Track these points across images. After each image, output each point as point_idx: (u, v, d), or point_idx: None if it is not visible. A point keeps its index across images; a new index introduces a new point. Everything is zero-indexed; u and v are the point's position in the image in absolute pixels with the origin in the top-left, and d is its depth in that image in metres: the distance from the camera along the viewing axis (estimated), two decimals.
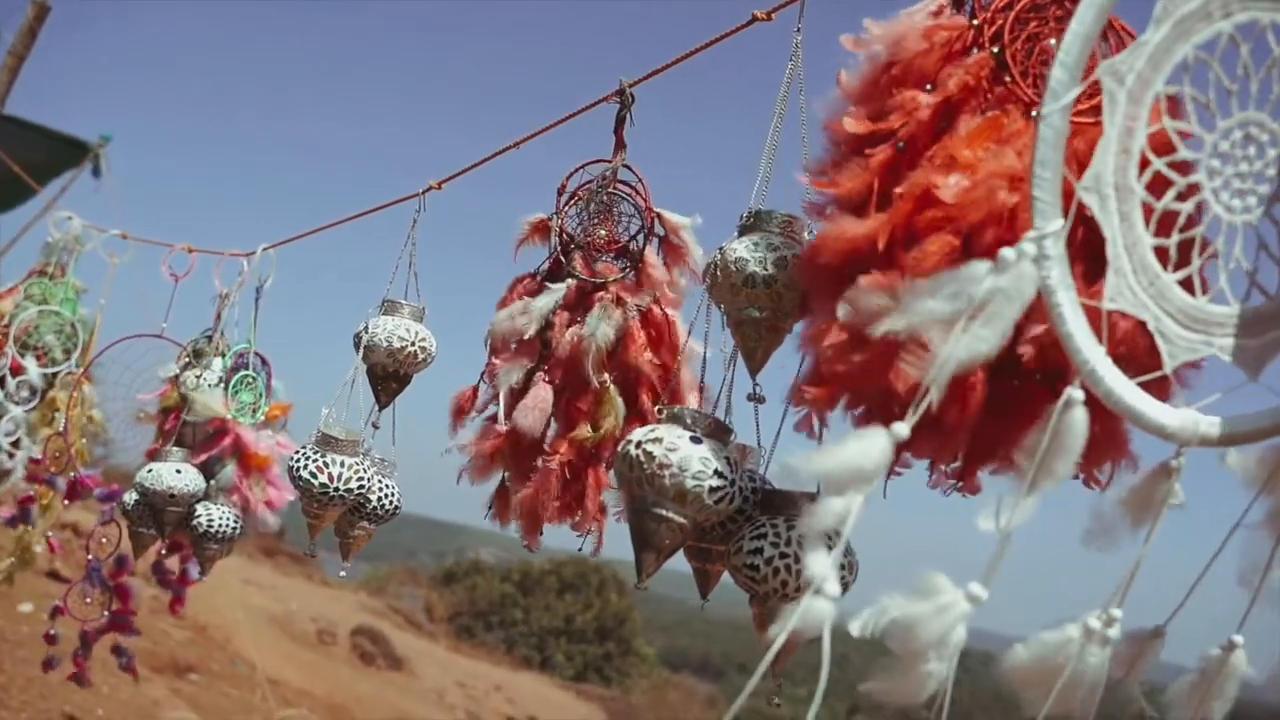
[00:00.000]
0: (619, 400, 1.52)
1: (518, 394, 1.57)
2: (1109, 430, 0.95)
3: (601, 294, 1.55)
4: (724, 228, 1.37)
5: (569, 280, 1.57)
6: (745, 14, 1.43)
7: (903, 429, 0.76)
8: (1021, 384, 0.97)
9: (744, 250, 1.26)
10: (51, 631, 2.82)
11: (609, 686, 19.88)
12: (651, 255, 1.60)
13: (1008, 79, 1.02)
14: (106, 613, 2.74)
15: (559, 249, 1.59)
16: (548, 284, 1.58)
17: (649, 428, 1.21)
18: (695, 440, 1.17)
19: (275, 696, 8.46)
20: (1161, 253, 0.80)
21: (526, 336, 1.55)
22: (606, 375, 1.53)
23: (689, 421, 1.20)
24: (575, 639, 20.88)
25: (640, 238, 1.61)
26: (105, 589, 2.71)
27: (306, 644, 12.22)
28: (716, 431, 1.22)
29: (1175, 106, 0.82)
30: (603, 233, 1.59)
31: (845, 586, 1.19)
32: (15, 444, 2.99)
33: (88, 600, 2.71)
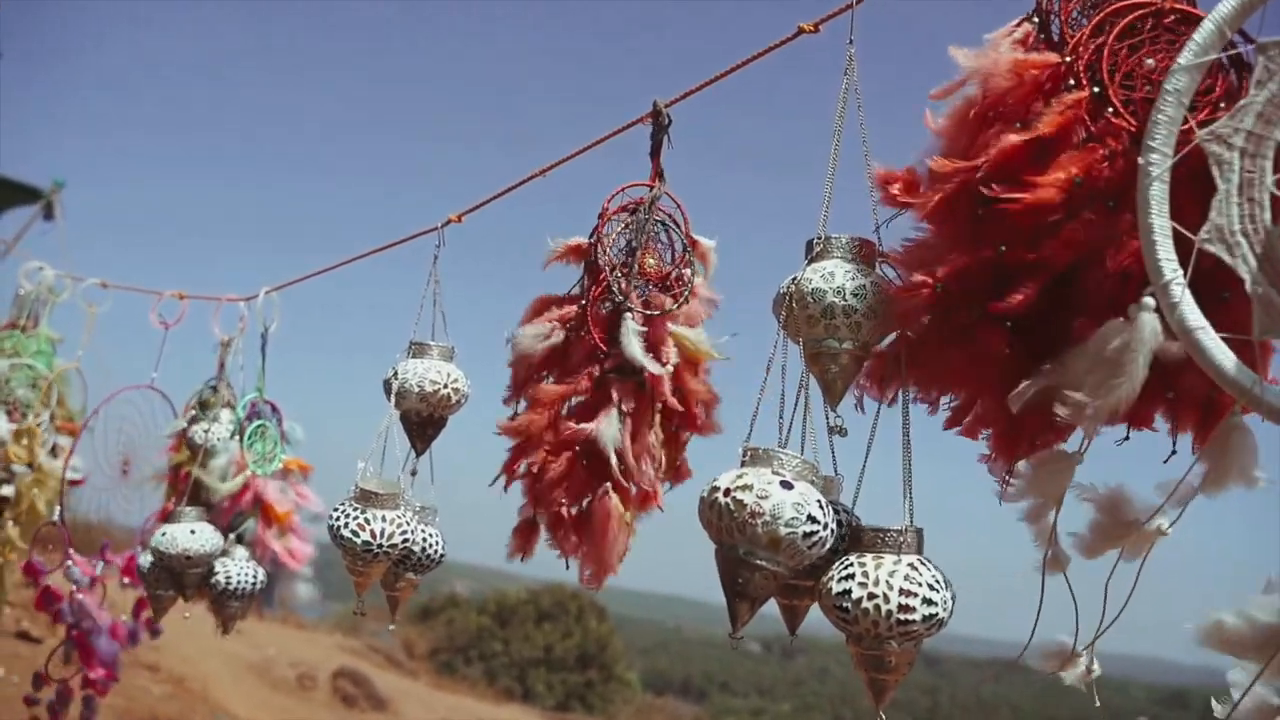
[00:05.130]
0: None
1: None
2: None
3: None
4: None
5: (631, 314, 1.51)
6: (790, 27, 1.39)
7: (1080, 457, 1.02)
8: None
9: (819, 280, 1.23)
10: (35, 697, 2.72)
11: (592, 714, 19.69)
12: (700, 283, 1.57)
13: (1110, 111, 1.00)
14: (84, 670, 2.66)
15: (611, 282, 1.52)
16: (627, 326, 1.49)
17: (736, 473, 1.16)
18: (786, 485, 1.13)
19: None
20: None
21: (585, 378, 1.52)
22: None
23: (776, 464, 1.16)
24: (555, 668, 20.68)
25: (683, 266, 1.56)
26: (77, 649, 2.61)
27: (287, 690, 11.93)
28: (805, 472, 1.17)
29: None
30: (651, 262, 1.54)
31: (941, 623, 1.13)
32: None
33: (69, 663, 2.61)
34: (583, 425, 1.47)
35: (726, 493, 1.13)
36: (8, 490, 2.75)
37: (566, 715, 18.82)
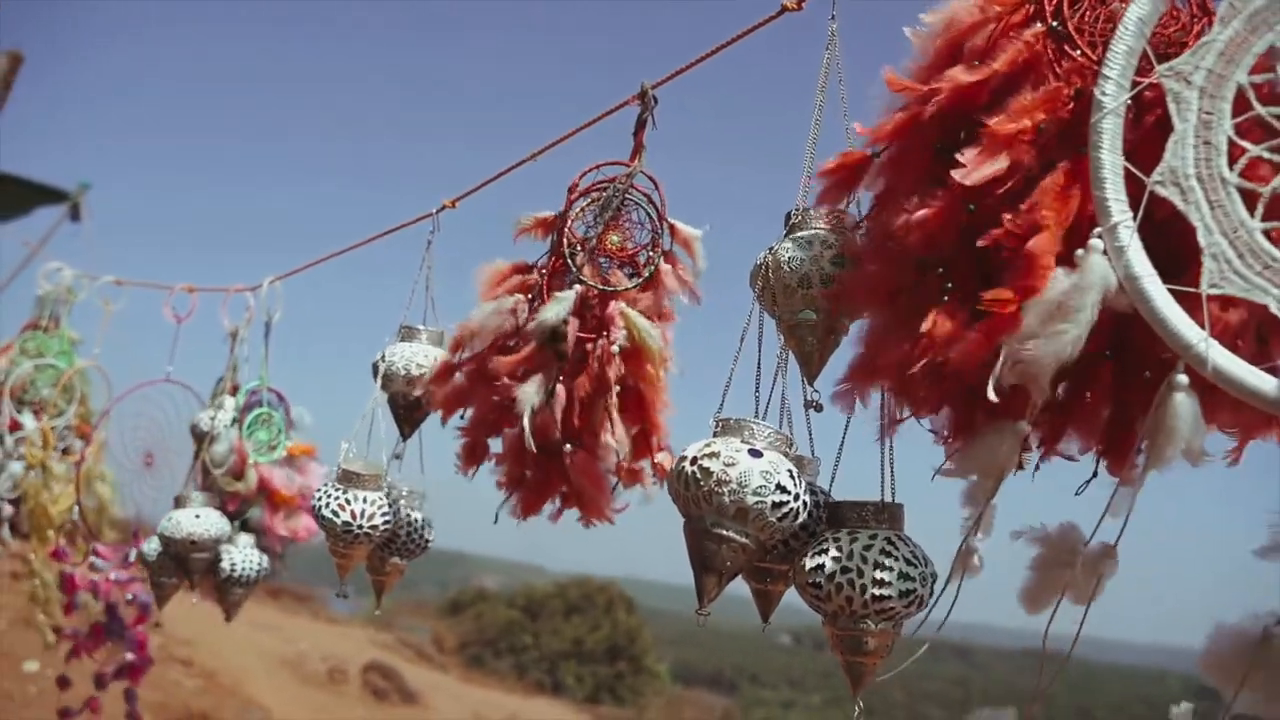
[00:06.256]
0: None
1: (540, 412, 1.48)
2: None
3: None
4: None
5: (576, 287, 1.48)
6: (773, 5, 1.38)
7: (1024, 426, 0.92)
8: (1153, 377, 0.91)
9: (796, 249, 1.20)
10: (65, 675, 2.77)
11: (622, 707, 19.71)
12: (667, 267, 1.51)
13: (1077, 53, 0.96)
14: (129, 655, 2.68)
15: (567, 254, 1.48)
16: (556, 294, 1.48)
17: (704, 442, 1.13)
18: (754, 454, 1.10)
19: None
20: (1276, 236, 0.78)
21: (530, 344, 1.48)
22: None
23: (747, 433, 1.13)
24: (585, 660, 20.70)
25: (654, 249, 1.51)
26: (121, 637, 2.65)
27: (318, 684, 12.06)
28: (776, 442, 1.14)
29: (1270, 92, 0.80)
30: (615, 239, 1.50)
31: (920, 601, 1.10)
32: (15, 501, 2.91)
33: (106, 645, 2.66)
34: (513, 384, 1.46)
35: (693, 461, 1.10)
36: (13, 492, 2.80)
37: (597, 708, 18.86)
